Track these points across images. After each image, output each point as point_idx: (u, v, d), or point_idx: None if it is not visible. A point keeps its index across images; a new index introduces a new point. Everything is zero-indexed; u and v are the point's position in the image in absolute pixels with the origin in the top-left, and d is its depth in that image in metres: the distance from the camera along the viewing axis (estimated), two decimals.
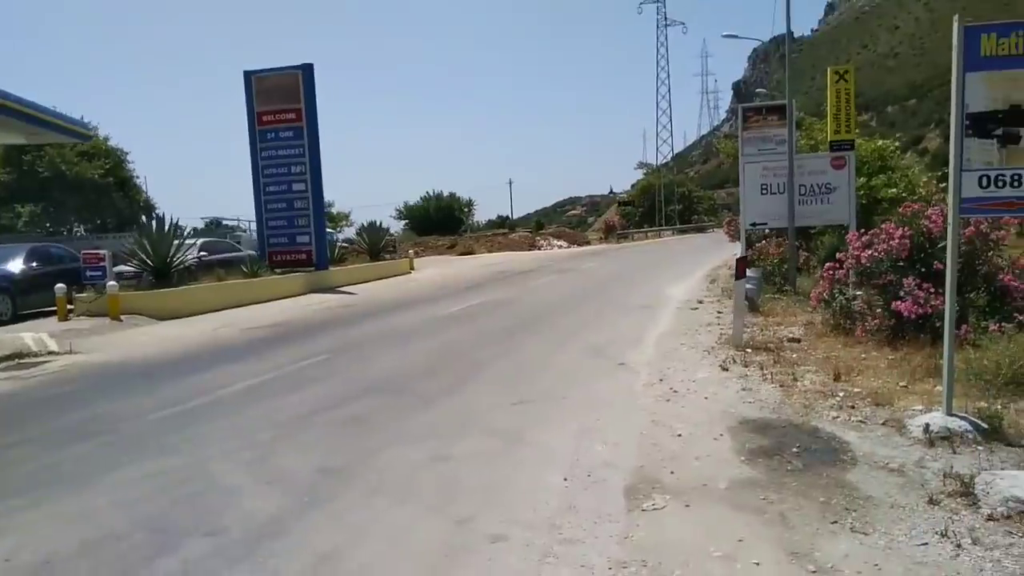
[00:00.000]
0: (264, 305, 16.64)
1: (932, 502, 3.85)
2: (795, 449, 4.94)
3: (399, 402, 6.89)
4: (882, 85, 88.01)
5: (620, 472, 4.68)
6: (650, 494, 4.27)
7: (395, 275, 24.50)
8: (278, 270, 21.05)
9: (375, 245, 27.52)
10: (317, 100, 21.24)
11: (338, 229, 45.30)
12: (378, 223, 29.15)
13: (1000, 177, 4.98)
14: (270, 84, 21.39)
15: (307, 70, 21.24)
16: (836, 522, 3.73)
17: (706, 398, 6.49)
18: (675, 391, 6.79)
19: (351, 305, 16.36)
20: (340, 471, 4.97)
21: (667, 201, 65.23)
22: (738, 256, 9.92)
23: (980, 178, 5.01)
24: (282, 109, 21.36)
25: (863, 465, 4.57)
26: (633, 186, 73.29)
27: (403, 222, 59.05)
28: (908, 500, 3.94)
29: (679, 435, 5.43)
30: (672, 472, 4.63)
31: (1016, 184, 4.96)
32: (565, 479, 4.57)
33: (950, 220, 5.18)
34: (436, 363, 8.79)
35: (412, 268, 26.24)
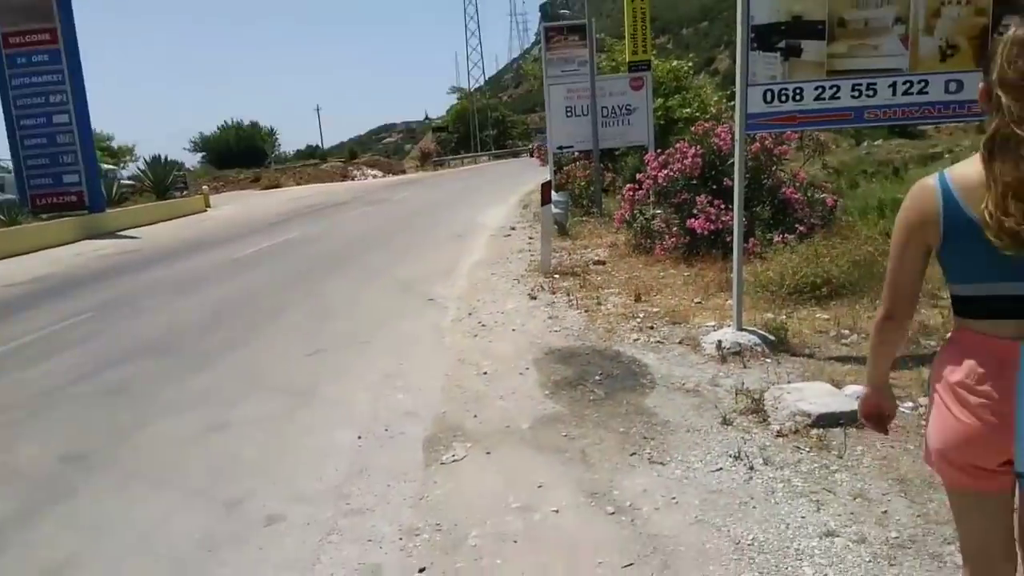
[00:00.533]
0: (28, 256, 14.44)
1: (726, 422, 3.86)
2: (598, 377, 4.84)
3: (175, 363, 6.04)
4: (677, 8, 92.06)
5: (421, 422, 4.32)
6: (451, 444, 3.95)
7: (187, 214, 22.26)
8: (44, 215, 18.33)
9: (162, 182, 24.79)
10: (81, 18, 18.26)
11: (121, 165, 40.52)
12: (164, 157, 26.24)
13: (783, 91, 4.98)
14: (15, 1, 18.04)
15: None
16: (635, 454, 3.62)
17: (514, 330, 6.28)
18: (483, 325, 6.53)
19: (132, 251, 14.56)
20: (89, 456, 4.19)
21: (482, 126, 64.94)
22: (544, 182, 9.79)
23: (765, 92, 4.99)
24: (33, 29, 18.20)
25: (661, 388, 4.55)
26: (448, 111, 71.87)
27: (200, 155, 54.25)
28: (703, 422, 3.93)
29: (485, 373, 5.17)
30: (475, 416, 4.34)
31: (798, 98, 4.99)
32: (359, 437, 4.14)
33: (737, 136, 5.18)
34: (225, 313, 7.90)
35: (208, 206, 23.99)
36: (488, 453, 3.80)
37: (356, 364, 5.65)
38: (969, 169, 1.57)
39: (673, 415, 4.08)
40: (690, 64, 19.01)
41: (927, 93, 4.84)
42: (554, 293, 7.47)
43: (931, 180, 1.62)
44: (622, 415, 4.16)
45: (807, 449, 3.47)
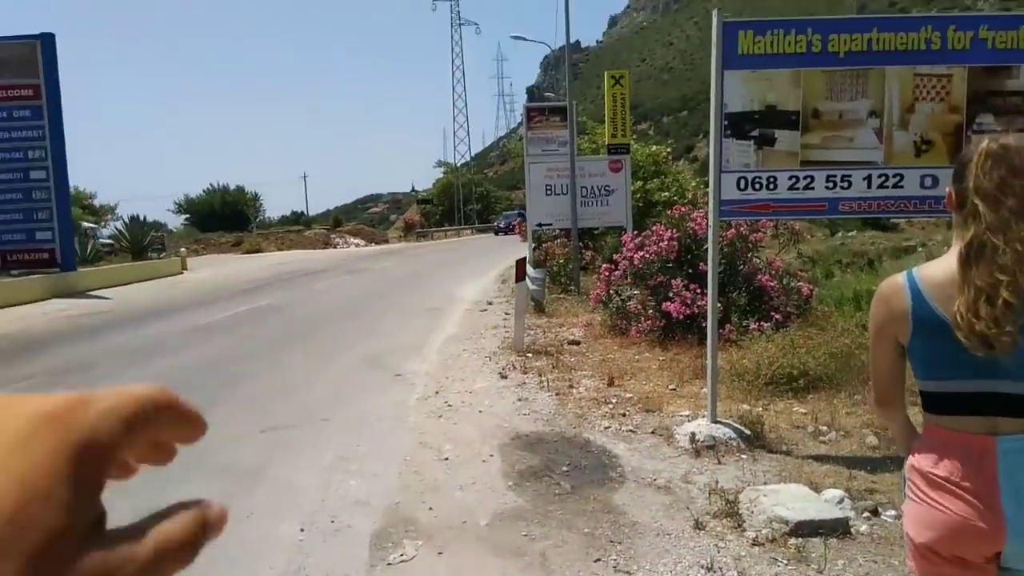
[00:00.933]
0: None
1: (698, 526, 3.60)
2: (565, 468, 4.58)
3: None
4: (658, 97, 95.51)
5: (372, 513, 4.01)
6: (400, 541, 3.64)
7: (163, 276, 21.93)
8: (14, 272, 17.93)
9: (138, 242, 24.52)
10: (67, 75, 18.37)
11: (102, 224, 40.33)
12: (142, 217, 26.10)
13: (757, 179, 4.93)
14: (1, 55, 18.20)
15: (47, 40, 18.31)
16: (599, 560, 3.34)
17: (481, 411, 6.02)
18: (450, 405, 6.26)
19: (100, 312, 14.16)
20: None
21: (466, 200, 65.78)
22: (519, 258, 9.69)
23: (738, 180, 4.94)
24: (15, 85, 18.22)
25: (631, 483, 4.29)
26: (434, 184, 72.89)
27: (184, 217, 54.36)
28: (675, 525, 3.67)
29: (446, 459, 4.88)
30: (431, 508, 4.04)
31: (772, 187, 4.94)
32: (302, 529, 3.81)
33: (710, 222, 5.10)
34: (182, 382, 7.53)
35: (185, 268, 23.68)
36: (440, 553, 3.50)
37: (311, 444, 5.33)
38: (937, 268, 1.65)
39: (643, 515, 3.81)
40: (669, 150, 19.44)
41: (902, 187, 4.82)
42: (525, 373, 7.24)
43: (900, 278, 1.69)
44: (588, 513, 3.89)
45: (784, 561, 3.22)
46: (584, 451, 4.93)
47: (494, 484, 4.40)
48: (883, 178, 4.86)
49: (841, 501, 3.66)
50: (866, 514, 3.63)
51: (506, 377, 7.14)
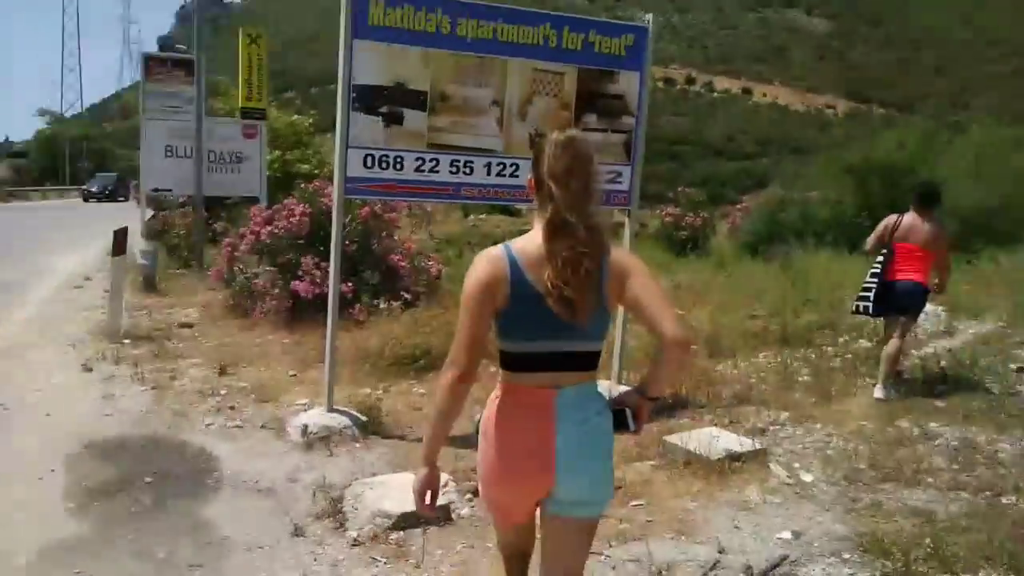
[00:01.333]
0: None
1: (297, 533, 3.25)
2: (149, 479, 3.86)
3: None
4: (307, 67, 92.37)
5: None
6: None
7: None
8: None
9: None
10: None
11: None
12: None
13: (384, 158, 4.70)
14: None
15: None
16: None
17: (49, 415, 4.88)
18: (7, 409, 4.97)
19: None
20: None
21: (76, 157, 56.27)
22: (119, 228, 8.19)
23: (365, 157, 4.65)
24: None
25: (228, 489, 3.77)
26: (36, 136, 60.81)
27: None
28: (271, 535, 3.25)
29: None
30: None
31: (398, 167, 4.76)
32: None
33: (335, 198, 4.75)
34: None
35: None
36: None
37: None
38: (528, 243, 1.83)
39: (235, 528, 3.32)
40: (311, 121, 18.69)
41: (518, 176, 4.99)
42: (118, 364, 6.12)
43: (498, 250, 1.84)
44: (169, 533, 3.28)
45: (384, 560, 3.03)
46: (178, 455, 4.23)
47: (49, 508, 3.50)
48: (501, 166, 4.98)
49: (445, 485, 3.62)
50: (468, 496, 3.64)
51: (91, 370, 5.95)
